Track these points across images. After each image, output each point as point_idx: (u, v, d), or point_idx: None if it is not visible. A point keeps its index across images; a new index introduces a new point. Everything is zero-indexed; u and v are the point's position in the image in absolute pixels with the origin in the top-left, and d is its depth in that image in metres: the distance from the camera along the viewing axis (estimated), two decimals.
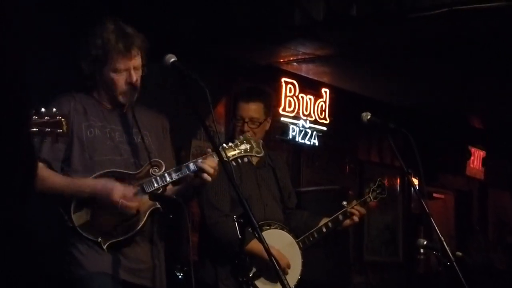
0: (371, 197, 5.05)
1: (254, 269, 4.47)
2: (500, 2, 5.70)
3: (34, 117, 3.04)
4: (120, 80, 3.75)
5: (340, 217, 4.89)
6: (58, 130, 3.09)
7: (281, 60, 7.95)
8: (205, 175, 3.67)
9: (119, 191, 3.55)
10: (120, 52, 3.70)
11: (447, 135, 10.70)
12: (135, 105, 3.89)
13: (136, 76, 3.76)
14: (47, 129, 3.07)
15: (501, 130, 10.99)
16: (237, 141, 3.90)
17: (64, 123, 3.10)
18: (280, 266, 4.46)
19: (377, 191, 5.09)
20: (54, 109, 3.11)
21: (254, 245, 4.21)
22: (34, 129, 3.04)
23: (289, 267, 4.61)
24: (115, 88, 3.76)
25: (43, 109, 3.08)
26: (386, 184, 5.37)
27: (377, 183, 5.12)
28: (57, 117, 3.10)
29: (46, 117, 3.07)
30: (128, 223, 3.64)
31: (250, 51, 7.41)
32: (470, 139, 11.55)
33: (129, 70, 3.74)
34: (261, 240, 3.13)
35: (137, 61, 3.77)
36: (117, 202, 3.53)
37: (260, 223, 4.50)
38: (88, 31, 3.78)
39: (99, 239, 3.60)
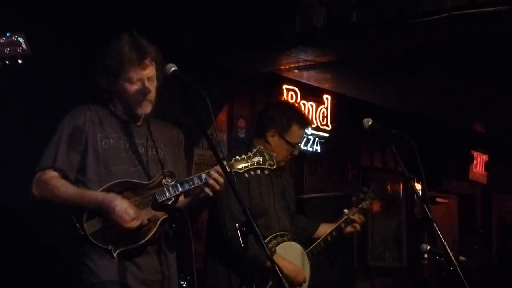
0: (368, 203, 5.05)
1: (270, 283, 4.44)
2: (500, 6, 5.70)
3: None
4: (134, 90, 3.73)
5: (342, 225, 4.93)
6: (19, 49, 2.87)
7: (283, 67, 7.94)
8: (207, 189, 3.64)
9: (121, 209, 3.55)
10: (133, 62, 3.69)
11: (449, 140, 10.69)
12: (151, 118, 3.88)
13: (150, 86, 3.74)
14: (6, 50, 2.86)
15: (504, 134, 10.98)
16: (250, 153, 3.84)
17: (22, 41, 2.88)
18: (294, 282, 4.49)
19: (372, 195, 5.08)
20: (8, 33, 2.89)
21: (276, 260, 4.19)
22: None
23: (305, 281, 4.64)
24: (130, 98, 3.75)
25: None
26: (375, 184, 5.40)
27: (370, 187, 5.12)
28: (13, 37, 2.89)
29: (1, 40, 2.87)
30: (139, 232, 3.63)
31: (252, 59, 7.40)
32: (472, 143, 11.54)
33: (143, 80, 3.72)
34: (267, 251, 3.16)
35: (150, 71, 3.75)
36: (116, 222, 3.54)
37: (274, 234, 4.57)
38: (103, 44, 3.78)
39: (110, 246, 3.60)
